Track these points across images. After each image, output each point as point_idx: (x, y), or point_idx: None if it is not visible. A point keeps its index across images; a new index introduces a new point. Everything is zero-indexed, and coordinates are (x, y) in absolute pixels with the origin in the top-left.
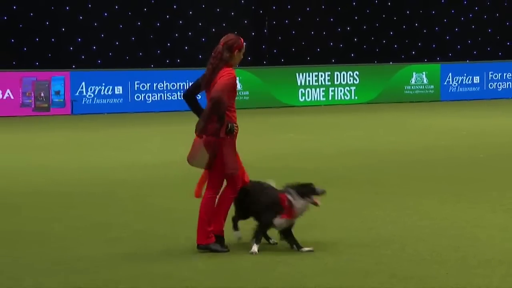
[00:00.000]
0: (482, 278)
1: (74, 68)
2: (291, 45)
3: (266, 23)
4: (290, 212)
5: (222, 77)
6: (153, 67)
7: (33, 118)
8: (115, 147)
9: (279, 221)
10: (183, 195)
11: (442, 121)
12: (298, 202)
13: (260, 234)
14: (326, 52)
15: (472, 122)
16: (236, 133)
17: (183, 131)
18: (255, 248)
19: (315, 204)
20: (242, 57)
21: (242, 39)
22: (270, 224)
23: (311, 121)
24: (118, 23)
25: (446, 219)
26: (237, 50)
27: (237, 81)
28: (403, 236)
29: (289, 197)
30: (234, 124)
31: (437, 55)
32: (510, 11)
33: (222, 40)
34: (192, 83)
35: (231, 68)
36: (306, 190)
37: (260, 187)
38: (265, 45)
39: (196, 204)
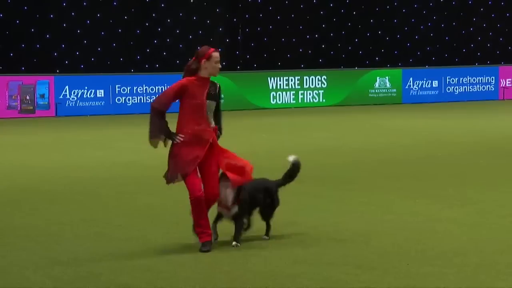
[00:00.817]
0: (440, 268)
1: (58, 72)
2: (263, 51)
3: (240, 30)
4: None
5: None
6: (133, 71)
7: (19, 120)
8: (97, 147)
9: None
10: (161, 192)
11: (404, 122)
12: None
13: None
14: (296, 58)
15: (431, 123)
16: (187, 140)
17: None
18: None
19: None
20: (216, 66)
21: (212, 49)
22: None
23: (282, 122)
24: (100, 30)
25: (407, 214)
26: (204, 60)
27: (192, 88)
28: (368, 230)
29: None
30: (178, 136)
31: (399, 61)
32: (465, 20)
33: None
34: None
35: (189, 78)
36: None
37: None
38: (239, 51)
39: (173, 200)
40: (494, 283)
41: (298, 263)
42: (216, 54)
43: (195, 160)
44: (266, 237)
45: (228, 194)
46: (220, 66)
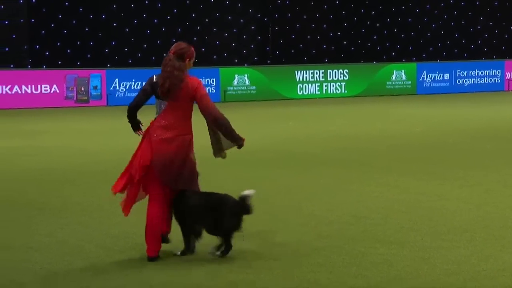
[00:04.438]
0: (450, 243)
1: (109, 67)
2: (291, 47)
3: (270, 29)
4: None
5: (200, 89)
6: None
7: (75, 108)
8: None
9: None
10: (200, 171)
11: (418, 111)
12: None
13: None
14: (320, 53)
15: (442, 112)
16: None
17: (199, 119)
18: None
19: None
20: (192, 65)
21: (193, 48)
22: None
23: (308, 111)
24: (146, 29)
25: (421, 194)
26: (188, 59)
27: None
28: (385, 208)
29: None
30: None
31: (413, 56)
32: (473, 19)
33: (173, 48)
34: (138, 96)
35: (195, 77)
36: None
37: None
38: (269, 47)
39: (205, 181)
40: (500, 255)
41: (323, 238)
42: (194, 53)
43: None
44: (216, 252)
45: None
46: None
